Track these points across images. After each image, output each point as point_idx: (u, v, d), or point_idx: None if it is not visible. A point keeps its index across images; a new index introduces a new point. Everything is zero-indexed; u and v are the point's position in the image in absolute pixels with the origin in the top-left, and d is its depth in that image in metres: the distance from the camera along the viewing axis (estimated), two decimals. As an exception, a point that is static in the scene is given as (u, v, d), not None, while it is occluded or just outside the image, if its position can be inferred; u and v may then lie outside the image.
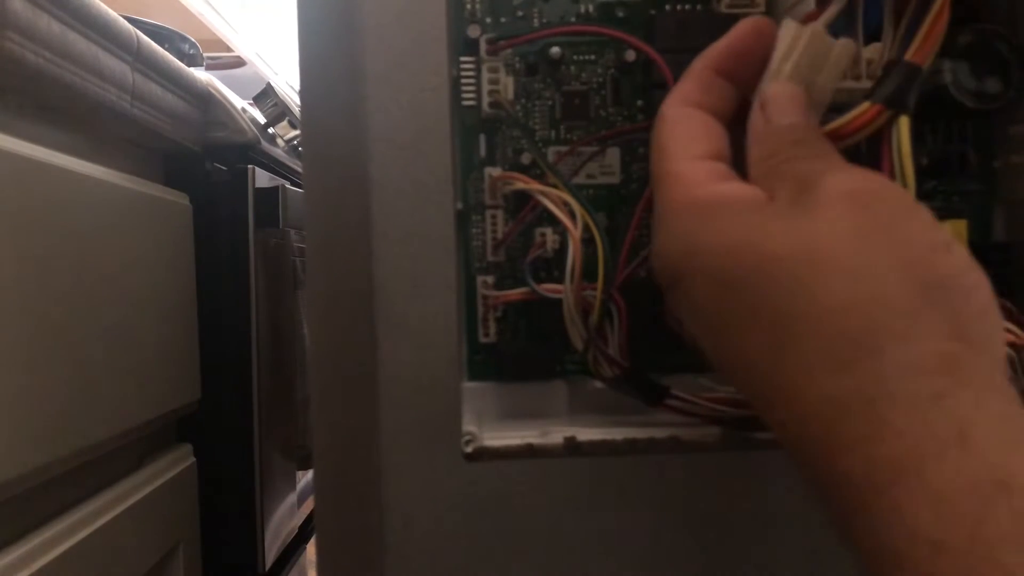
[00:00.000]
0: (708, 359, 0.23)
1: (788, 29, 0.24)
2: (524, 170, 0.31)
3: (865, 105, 0.23)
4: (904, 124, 0.22)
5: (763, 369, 0.19)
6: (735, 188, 0.22)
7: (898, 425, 0.17)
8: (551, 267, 0.32)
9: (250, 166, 0.75)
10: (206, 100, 0.73)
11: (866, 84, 0.25)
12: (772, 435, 0.21)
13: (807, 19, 0.24)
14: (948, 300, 0.18)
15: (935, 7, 0.22)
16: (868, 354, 0.17)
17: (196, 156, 0.73)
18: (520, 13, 0.31)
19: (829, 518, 0.19)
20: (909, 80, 0.22)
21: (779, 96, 0.23)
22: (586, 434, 0.27)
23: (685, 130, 0.24)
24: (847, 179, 0.20)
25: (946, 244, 0.19)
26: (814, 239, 0.19)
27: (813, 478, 0.19)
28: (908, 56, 0.22)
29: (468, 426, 0.28)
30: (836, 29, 0.24)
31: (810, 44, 0.23)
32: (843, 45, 0.24)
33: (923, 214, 0.20)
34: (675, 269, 0.22)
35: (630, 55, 0.31)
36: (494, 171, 0.31)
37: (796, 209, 0.20)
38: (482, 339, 0.32)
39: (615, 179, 0.32)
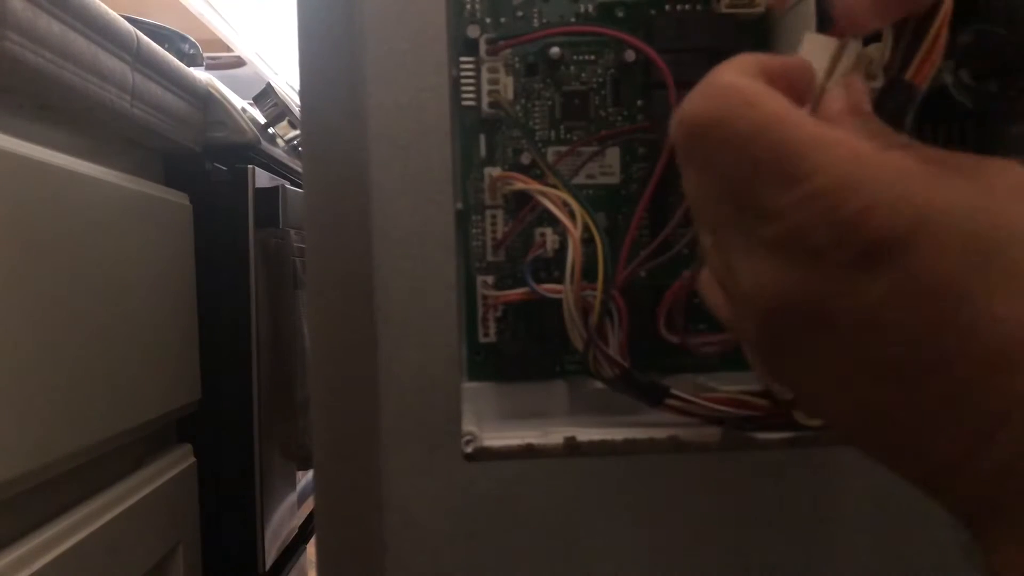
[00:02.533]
0: (863, 333, 0.20)
1: (821, 44, 0.23)
2: (524, 170, 0.31)
3: None
4: None
5: (1009, 337, 0.18)
6: (930, 159, 0.20)
7: None
8: (551, 267, 0.32)
9: (250, 166, 0.75)
10: (206, 100, 0.73)
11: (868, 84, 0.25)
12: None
13: (831, 34, 0.24)
14: None
15: (935, 27, 0.22)
16: None
17: (196, 156, 0.73)
18: (520, 13, 0.31)
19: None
20: (908, 100, 0.22)
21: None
22: (586, 434, 0.27)
23: (782, 97, 0.21)
24: (999, 165, 0.20)
25: None
26: None
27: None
28: (908, 75, 0.22)
29: (468, 426, 0.28)
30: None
31: (848, 57, 0.23)
32: (874, 49, 0.24)
33: None
34: (891, 236, 0.19)
35: (630, 55, 0.31)
36: (494, 171, 0.31)
37: (1007, 192, 0.19)
38: (482, 339, 0.32)
39: (615, 179, 0.32)
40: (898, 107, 0.22)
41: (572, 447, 0.27)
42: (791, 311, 0.21)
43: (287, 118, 0.84)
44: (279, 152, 0.85)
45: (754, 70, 0.21)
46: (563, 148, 0.31)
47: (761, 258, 0.21)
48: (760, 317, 0.22)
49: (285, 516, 0.85)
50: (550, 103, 0.31)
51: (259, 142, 0.77)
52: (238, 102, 0.78)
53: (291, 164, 0.91)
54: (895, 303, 0.19)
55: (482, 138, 0.31)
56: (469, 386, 0.32)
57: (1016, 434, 0.18)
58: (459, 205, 0.31)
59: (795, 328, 0.21)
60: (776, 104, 0.21)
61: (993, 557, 0.18)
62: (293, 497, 0.89)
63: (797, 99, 0.21)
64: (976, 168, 0.20)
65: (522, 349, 0.31)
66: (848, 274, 0.20)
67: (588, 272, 0.28)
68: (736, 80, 0.21)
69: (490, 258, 0.31)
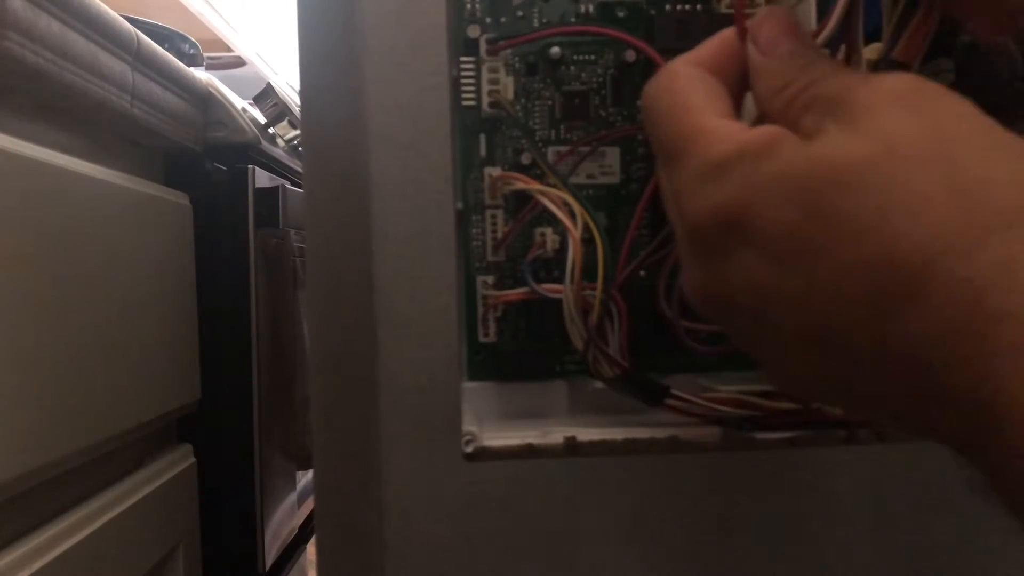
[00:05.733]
0: (762, 307, 0.20)
1: None
2: (524, 170, 0.31)
3: None
4: None
5: (871, 278, 0.18)
6: (783, 131, 0.20)
7: None
8: (551, 267, 0.32)
9: (250, 166, 0.75)
10: (206, 100, 0.73)
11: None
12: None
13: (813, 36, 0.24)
14: None
15: (923, 5, 0.22)
16: (997, 228, 0.17)
17: (196, 156, 0.73)
18: (520, 13, 0.31)
19: (959, 416, 0.17)
20: None
21: (766, 24, 0.22)
22: (586, 434, 0.27)
23: (707, 89, 0.22)
24: (884, 85, 0.19)
25: (997, 125, 0.19)
26: (886, 139, 0.18)
27: (939, 389, 0.17)
28: (895, 54, 0.22)
29: (468, 426, 0.28)
30: (835, 40, 0.24)
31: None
32: (871, 51, 0.24)
33: (969, 104, 0.19)
34: (733, 213, 0.20)
35: (630, 55, 0.31)
36: (494, 171, 0.31)
37: (848, 120, 0.19)
38: (482, 339, 0.32)
39: (615, 179, 0.32)
40: None
41: (572, 447, 0.27)
42: (710, 304, 0.23)
43: (287, 118, 0.84)
44: (279, 152, 0.85)
45: (701, 57, 0.23)
46: (563, 148, 0.31)
47: (684, 253, 0.23)
48: (702, 311, 0.23)
49: (285, 516, 0.85)
50: (550, 103, 0.31)
51: (259, 142, 0.77)
52: (238, 102, 0.78)
53: (291, 164, 0.91)
54: (765, 272, 0.20)
55: (482, 138, 0.31)
56: (469, 386, 0.32)
57: (901, 375, 0.18)
58: (459, 205, 0.31)
59: (722, 315, 0.22)
60: (689, 90, 0.22)
61: (997, 485, 0.17)
62: (293, 497, 0.89)
63: (732, 78, 0.23)
64: (857, 110, 0.19)
65: (522, 349, 0.31)
66: (720, 259, 0.21)
67: (588, 272, 0.28)
68: (676, 65, 0.23)
69: (490, 258, 0.31)
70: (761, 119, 0.23)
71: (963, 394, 0.17)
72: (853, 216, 0.18)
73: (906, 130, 0.18)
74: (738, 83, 0.23)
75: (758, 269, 0.20)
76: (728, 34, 0.23)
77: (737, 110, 0.24)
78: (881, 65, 0.23)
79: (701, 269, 0.22)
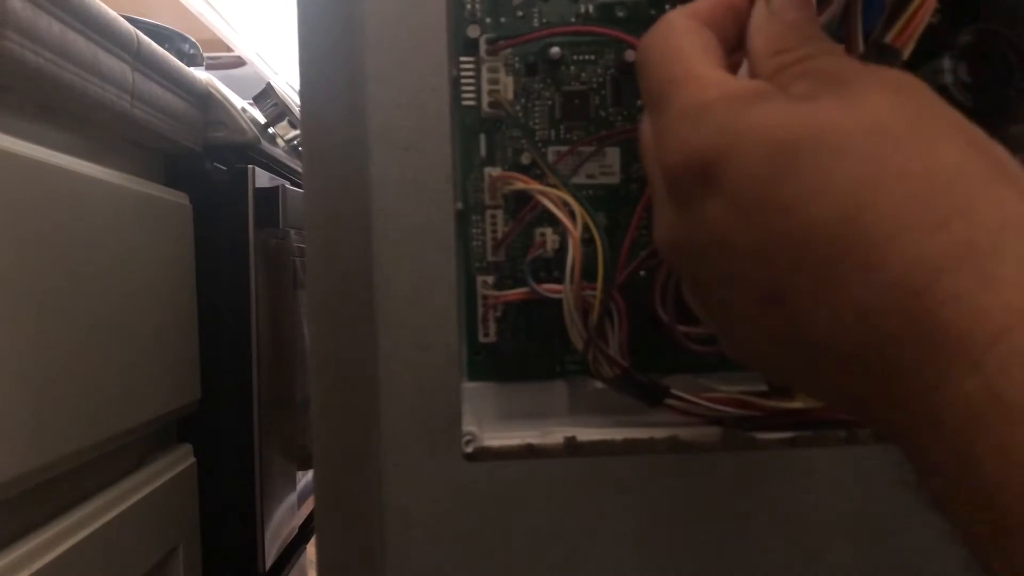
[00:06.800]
0: (725, 259, 0.20)
1: None
2: (524, 170, 0.31)
3: None
4: None
5: (831, 241, 0.18)
6: (773, 86, 0.21)
7: (1009, 276, 0.16)
8: (551, 267, 0.31)
9: (250, 166, 0.75)
10: (206, 100, 0.73)
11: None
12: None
13: None
14: (1016, 176, 0.18)
15: None
16: (960, 214, 0.17)
17: (196, 156, 0.73)
18: (520, 13, 0.31)
19: (899, 401, 0.17)
20: (889, 64, 0.22)
21: None
22: (586, 434, 0.27)
23: (701, 40, 0.23)
24: (882, 73, 0.20)
25: (982, 133, 0.19)
26: (876, 114, 0.19)
27: (884, 366, 0.18)
28: (890, 39, 0.22)
29: (468, 426, 0.28)
30: (833, 31, 0.24)
31: None
32: None
33: (956, 111, 0.20)
34: (708, 159, 0.20)
35: (630, 55, 0.31)
36: (494, 171, 0.31)
37: (844, 95, 0.19)
38: (482, 339, 0.32)
39: (615, 179, 0.32)
40: None
41: (572, 447, 0.27)
42: (676, 253, 0.23)
43: (287, 118, 0.84)
44: (279, 152, 0.85)
45: (697, 10, 0.23)
46: (563, 148, 0.31)
47: (657, 199, 0.23)
48: (669, 263, 0.24)
49: (285, 516, 0.85)
50: (550, 103, 0.31)
51: (259, 142, 0.77)
52: (238, 102, 0.78)
53: (291, 164, 0.91)
54: (730, 222, 0.20)
55: (482, 138, 0.31)
56: (469, 386, 0.32)
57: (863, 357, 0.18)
58: (459, 205, 0.31)
59: (687, 267, 0.23)
60: (684, 39, 0.22)
61: (928, 481, 0.18)
62: (293, 497, 0.89)
63: (725, 33, 0.23)
64: (853, 86, 0.20)
65: (522, 349, 0.31)
66: (691, 205, 0.21)
67: (588, 272, 0.28)
68: (671, 16, 0.23)
69: (490, 258, 0.31)
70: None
71: (907, 372, 0.17)
72: (827, 178, 0.18)
73: (897, 115, 0.19)
74: (732, 40, 0.23)
75: (722, 220, 0.20)
76: None
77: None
78: (873, 48, 0.23)
79: (672, 216, 0.22)
